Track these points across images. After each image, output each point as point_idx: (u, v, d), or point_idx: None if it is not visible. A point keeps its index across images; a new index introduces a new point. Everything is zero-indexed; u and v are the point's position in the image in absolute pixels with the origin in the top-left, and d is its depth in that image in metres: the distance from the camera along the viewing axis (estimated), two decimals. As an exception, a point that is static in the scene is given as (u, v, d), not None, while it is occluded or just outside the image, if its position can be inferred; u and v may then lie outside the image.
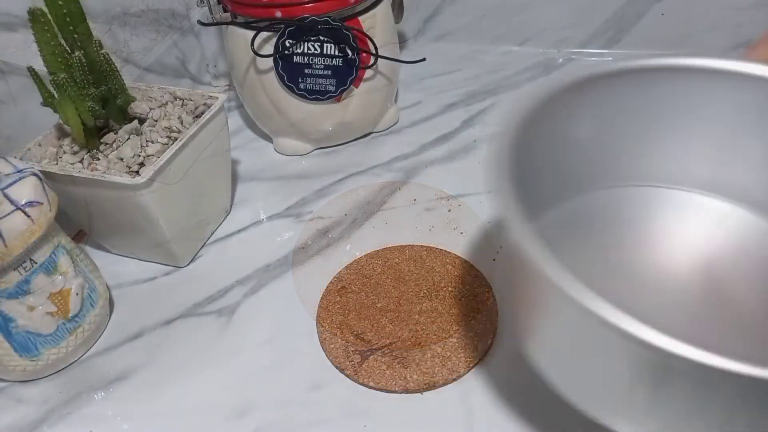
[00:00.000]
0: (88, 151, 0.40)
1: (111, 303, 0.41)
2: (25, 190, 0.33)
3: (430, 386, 0.34)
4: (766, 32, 0.29)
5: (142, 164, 0.38)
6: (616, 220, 0.32)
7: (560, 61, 0.62)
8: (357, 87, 0.49)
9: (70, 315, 0.36)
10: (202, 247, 0.45)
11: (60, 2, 0.35)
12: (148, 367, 0.37)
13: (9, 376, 0.36)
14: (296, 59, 0.47)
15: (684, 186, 0.33)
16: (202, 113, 0.42)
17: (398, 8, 0.56)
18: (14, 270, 0.33)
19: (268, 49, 0.46)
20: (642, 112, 0.31)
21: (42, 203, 0.34)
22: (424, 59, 0.54)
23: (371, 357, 0.35)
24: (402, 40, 0.68)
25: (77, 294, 0.36)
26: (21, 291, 0.34)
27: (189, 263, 0.44)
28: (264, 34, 0.46)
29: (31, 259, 0.34)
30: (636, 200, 0.33)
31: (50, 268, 0.35)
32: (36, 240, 0.33)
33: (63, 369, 0.37)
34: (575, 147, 0.31)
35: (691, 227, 0.32)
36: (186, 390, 0.35)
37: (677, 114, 0.31)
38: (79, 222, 0.44)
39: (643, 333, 0.19)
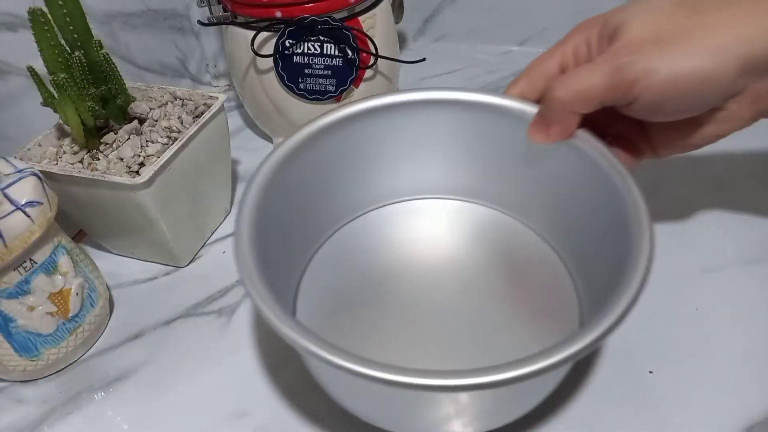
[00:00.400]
0: (88, 151, 0.40)
1: (111, 303, 0.41)
2: (25, 190, 0.33)
3: None
4: (521, 74, 0.34)
5: (142, 164, 0.38)
6: (377, 233, 0.39)
7: (560, 61, 0.62)
8: (357, 87, 0.49)
9: (70, 315, 0.36)
10: (202, 247, 0.45)
11: (60, 2, 0.35)
12: (148, 367, 0.37)
13: (9, 376, 0.36)
14: (296, 59, 0.47)
15: (425, 194, 0.40)
16: (202, 113, 0.42)
17: (398, 8, 0.56)
18: (14, 270, 0.33)
19: (268, 49, 0.46)
20: (377, 144, 0.37)
21: (42, 203, 0.34)
22: (424, 59, 0.54)
23: None
24: (402, 40, 0.68)
25: (77, 294, 0.36)
26: (21, 291, 0.34)
27: (189, 263, 0.44)
28: (264, 34, 0.46)
29: (31, 259, 0.34)
30: (390, 215, 0.40)
31: (50, 268, 0.35)
32: (36, 240, 0.33)
33: (63, 369, 0.37)
34: (330, 185, 0.37)
35: (438, 224, 0.39)
36: (186, 390, 0.35)
37: (407, 139, 0.37)
38: (78, 222, 0.44)
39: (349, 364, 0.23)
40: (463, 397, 0.26)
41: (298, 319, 0.33)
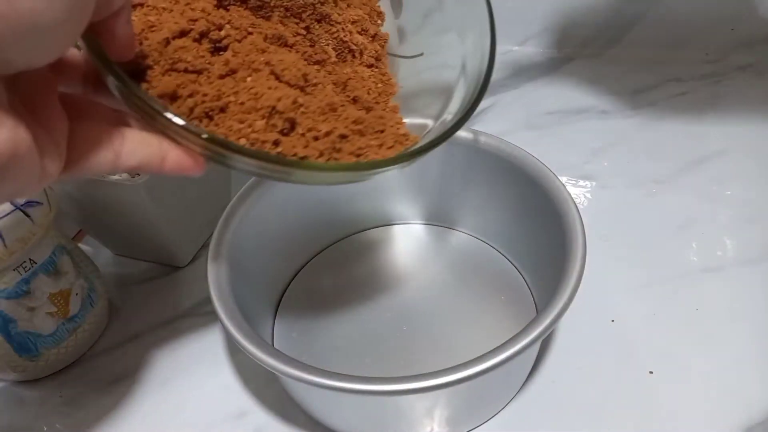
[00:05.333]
0: (88, 151, 0.39)
1: (110, 303, 0.41)
2: (25, 191, 0.33)
3: None
4: None
5: (141, 164, 0.38)
6: (350, 259, 0.42)
7: (561, 60, 0.62)
8: (357, 86, 0.49)
9: (70, 315, 0.36)
10: (201, 247, 0.45)
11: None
12: (148, 367, 0.37)
13: (9, 376, 0.36)
14: (296, 59, 0.46)
15: (393, 221, 0.43)
16: (202, 113, 0.42)
17: (397, 3, 0.56)
18: (14, 270, 0.33)
19: (268, 48, 0.46)
20: None
21: (42, 203, 0.34)
22: (422, 54, 0.54)
23: None
24: (401, 35, 0.68)
25: (77, 294, 0.36)
26: (21, 291, 0.34)
27: (188, 264, 0.44)
28: (264, 34, 0.46)
29: (30, 260, 0.34)
30: (360, 241, 0.43)
31: (50, 268, 0.35)
32: (36, 240, 0.33)
33: (62, 369, 0.37)
34: (301, 218, 0.39)
35: (406, 247, 0.42)
36: (185, 390, 0.35)
37: None
38: (78, 222, 0.44)
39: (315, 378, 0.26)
40: (421, 400, 0.28)
41: (276, 337, 0.37)
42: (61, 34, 0.17)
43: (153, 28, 0.23)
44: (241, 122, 0.23)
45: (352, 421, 0.31)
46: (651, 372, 0.33)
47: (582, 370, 0.34)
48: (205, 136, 0.20)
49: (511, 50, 0.65)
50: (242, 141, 0.22)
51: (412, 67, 0.40)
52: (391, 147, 0.25)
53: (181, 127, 0.20)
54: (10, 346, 0.34)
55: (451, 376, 0.25)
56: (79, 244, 0.44)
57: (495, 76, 0.61)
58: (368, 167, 0.24)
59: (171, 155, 0.21)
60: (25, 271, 0.33)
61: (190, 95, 0.22)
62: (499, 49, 0.65)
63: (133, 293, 0.42)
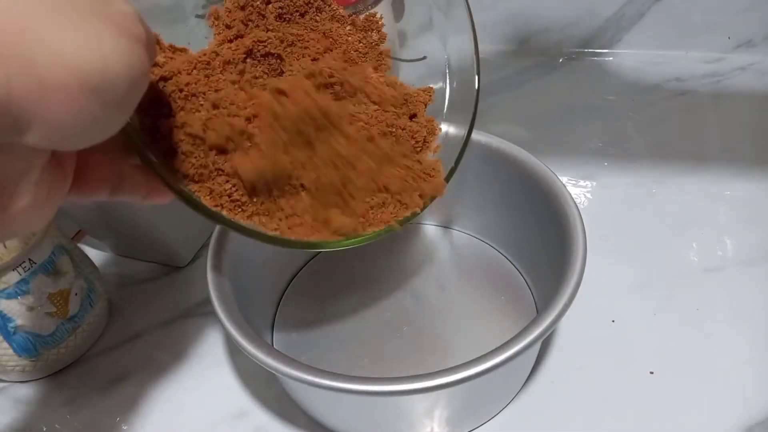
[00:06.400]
0: (88, 151, 0.40)
1: (110, 303, 0.41)
2: (24, 190, 0.33)
3: None
4: None
5: (141, 164, 0.38)
6: (351, 258, 0.41)
7: (560, 60, 0.62)
8: (357, 86, 0.49)
9: (70, 315, 0.36)
10: (201, 247, 0.45)
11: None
12: (148, 367, 0.37)
13: (8, 377, 0.36)
14: (296, 59, 0.46)
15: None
16: (202, 113, 0.42)
17: (399, 7, 0.56)
18: (13, 270, 0.33)
19: (268, 48, 0.46)
20: None
21: (41, 203, 0.33)
22: (424, 57, 0.54)
23: None
24: (402, 38, 0.68)
25: (76, 294, 0.36)
26: (20, 291, 0.34)
27: (189, 263, 0.44)
28: (263, 34, 0.46)
29: (30, 260, 0.34)
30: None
31: (49, 268, 0.35)
32: (35, 240, 0.33)
33: (62, 369, 0.37)
34: None
35: (408, 247, 0.42)
36: (185, 390, 0.35)
37: None
38: (78, 222, 0.44)
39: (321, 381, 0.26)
40: (421, 400, 0.28)
41: (275, 337, 0.37)
42: (111, 126, 0.17)
43: (199, 99, 0.23)
44: (227, 182, 0.24)
45: (352, 421, 0.31)
46: (651, 372, 0.33)
47: (582, 370, 0.34)
48: (183, 193, 0.22)
49: (512, 50, 0.65)
50: (224, 199, 0.24)
51: (413, 70, 0.39)
52: (361, 217, 0.26)
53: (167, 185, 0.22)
54: (9, 346, 0.34)
55: (451, 376, 0.25)
56: (79, 244, 0.44)
57: (495, 76, 0.61)
58: (314, 245, 0.25)
59: (152, 195, 0.23)
60: (25, 271, 0.33)
61: (195, 158, 0.23)
62: (498, 49, 0.65)
63: (133, 293, 0.42)
